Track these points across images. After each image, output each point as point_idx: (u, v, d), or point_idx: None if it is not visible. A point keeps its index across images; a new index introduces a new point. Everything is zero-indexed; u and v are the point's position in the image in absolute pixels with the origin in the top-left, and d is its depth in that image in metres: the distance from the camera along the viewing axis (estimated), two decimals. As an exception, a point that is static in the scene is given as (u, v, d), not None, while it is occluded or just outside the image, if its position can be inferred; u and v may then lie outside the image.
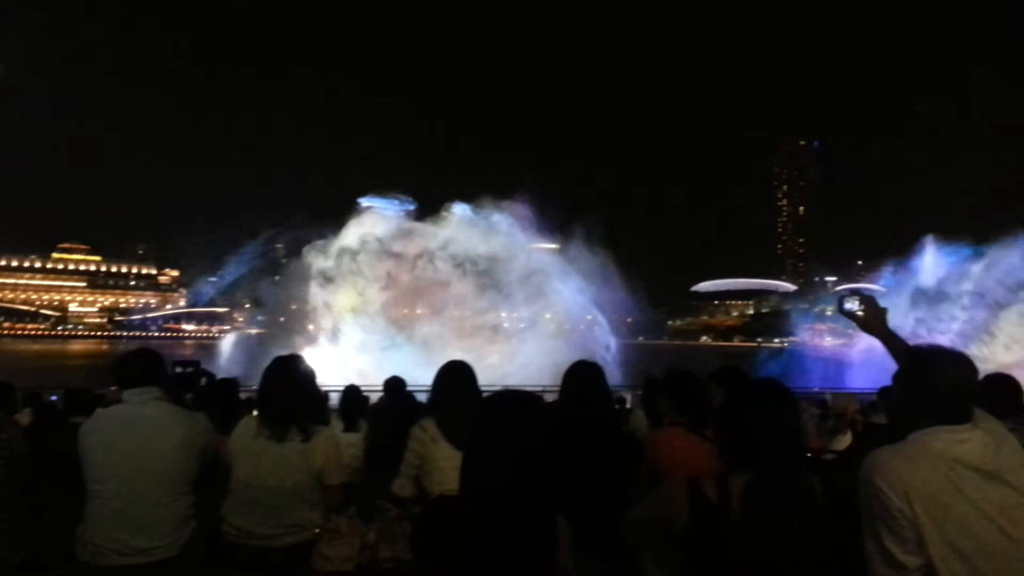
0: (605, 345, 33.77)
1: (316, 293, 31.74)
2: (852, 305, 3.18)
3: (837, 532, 2.51)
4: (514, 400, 2.32)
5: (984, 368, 3.10)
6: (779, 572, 2.38)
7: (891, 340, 3.02)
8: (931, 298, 35.30)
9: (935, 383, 2.43)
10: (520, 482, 2.13)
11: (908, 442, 2.40)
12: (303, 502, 3.83)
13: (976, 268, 34.46)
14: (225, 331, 35.92)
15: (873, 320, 3.14)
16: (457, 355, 4.76)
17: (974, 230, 36.45)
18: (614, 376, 27.13)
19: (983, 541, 2.25)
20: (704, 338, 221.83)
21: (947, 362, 2.47)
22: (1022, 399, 5.10)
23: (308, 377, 4.06)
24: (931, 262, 37.42)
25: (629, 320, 40.41)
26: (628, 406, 12.37)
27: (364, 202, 33.91)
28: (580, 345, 29.70)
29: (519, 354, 29.79)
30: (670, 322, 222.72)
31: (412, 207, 34.40)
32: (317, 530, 3.84)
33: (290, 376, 3.96)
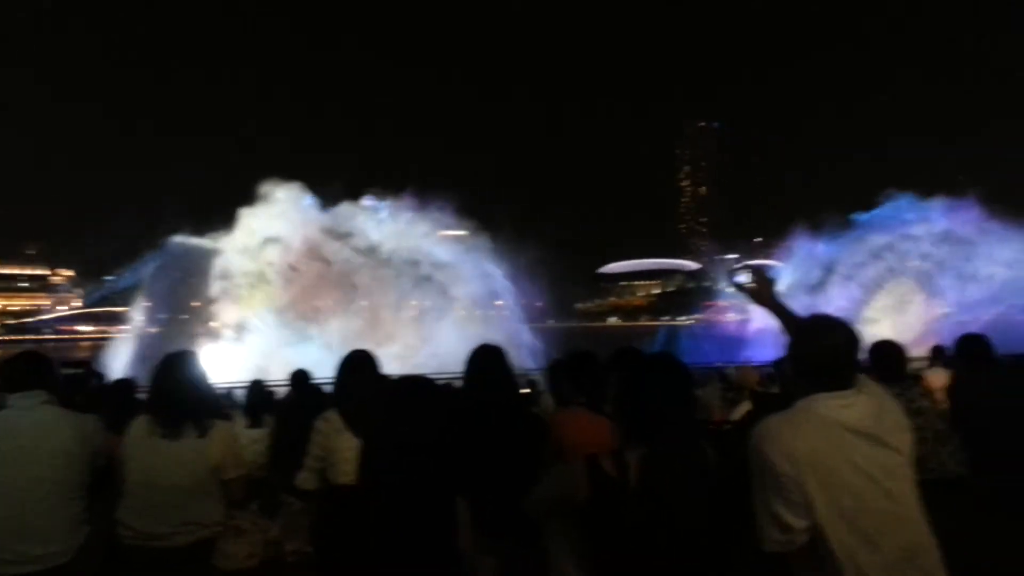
0: (523, 328, 33.98)
1: (219, 288, 30.85)
2: (743, 278, 3.26)
3: (732, 499, 2.58)
4: (411, 387, 2.31)
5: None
6: (676, 541, 2.43)
7: (780, 311, 3.10)
8: (816, 272, 36.54)
9: (817, 350, 2.52)
10: (418, 468, 2.12)
11: (794, 409, 2.48)
12: (202, 499, 3.75)
13: (859, 243, 35.88)
14: (124, 331, 34.32)
15: (762, 292, 3.22)
16: (368, 346, 4.70)
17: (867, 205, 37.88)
18: (529, 359, 27.35)
19: (866, 501, 2.33)
20: (612, 319, 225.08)
21: (829, 330, 2.56)
22: (907, 366, 5.35)
23: (199, 372, 3.96)
24: (805, 245, 38.76)
25: (538, 304, 40.56)
26: (540, 388, 12.46)
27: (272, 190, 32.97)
28: (492, 330, 29.76)
29: (431, 342, 29.65)
30: (579, 304, 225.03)
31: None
32: (219, 527, 3.77)
33: (180, 372, 3.87)
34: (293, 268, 31.12)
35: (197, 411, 3.81)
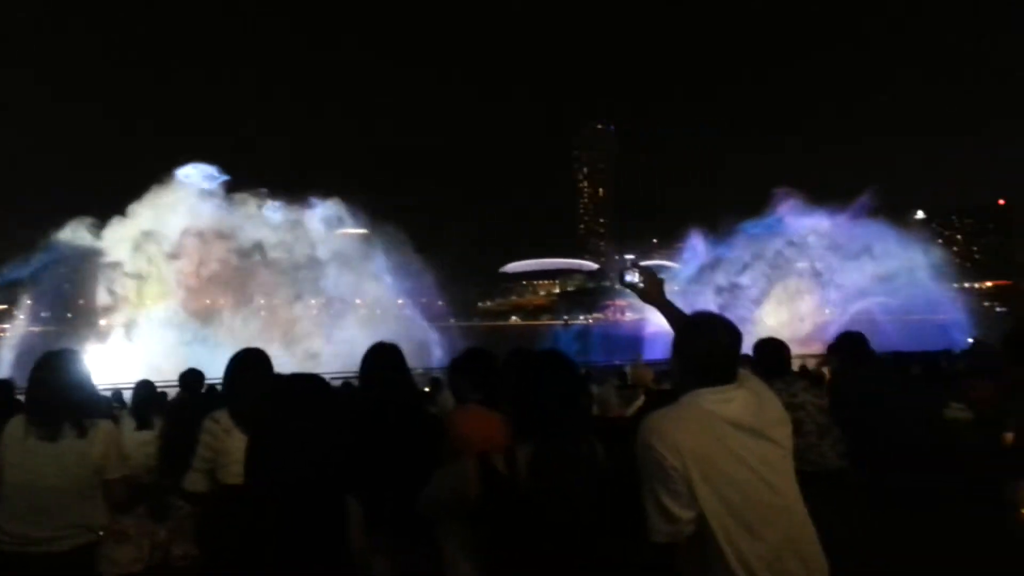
0: (425, 327, 33.96)
1: (108, 285, 29.57)
2: (632, 277, 3.35)
3: (624, 494, 2.65)
4: (302, 384, 2.28)
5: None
6: (567, 537, 2.48)
7: (668, 309, 3.19)
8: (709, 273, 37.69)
9: (699, 347, 2.61)
10: (309, 467, 2.10)
11: (679, 403, 2.57)
12: (84, 501, 3.63)
13: (751, 244, 37.22)
14: (5, 331, 32.53)
15: (651, 290, 3.31)
16: (269, 346, 4.61)
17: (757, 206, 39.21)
18: (431, 357, 27.33)
19: (747, 492, 2.42)
20: (514, 318, 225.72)
21: (710, 327, 2.65)
22: (790, 361, 5.59)
23: (79, 371, 3.81)
24: (700, 244, 40.02)
25: (440, 303, 40.59)
26: (444, 387, 12.48)
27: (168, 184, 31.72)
28: (394, 329, 29.55)
29: (333, 342, 29.23)
30: (481, 303, 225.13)
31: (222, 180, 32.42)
32: (102, 532, 3.64)
33: (59, 371, 3.72)
34: (187, 265, 30.13)
35: (76, 411, 3.68)
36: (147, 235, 30.13)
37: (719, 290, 35.56)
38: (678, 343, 2.73)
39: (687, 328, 2.75)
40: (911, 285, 34.52)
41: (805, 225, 36.36)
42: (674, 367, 2.76)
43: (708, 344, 2.60)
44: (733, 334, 2.64)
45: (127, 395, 10.65)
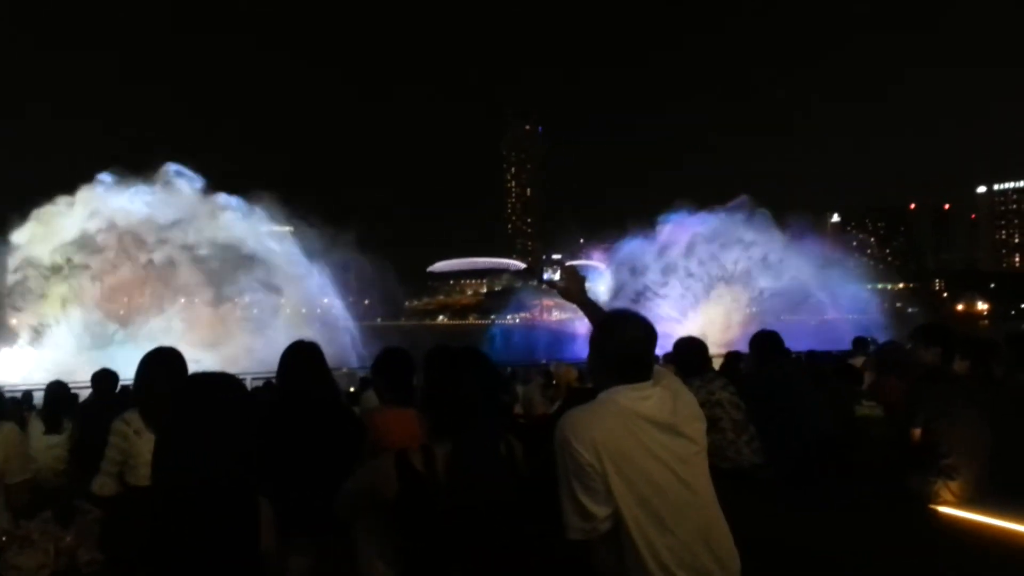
0: (352, 326, 33.70)
1: (17, 285, 28.43)
2: (552, 275, 3.37)
3: (541, 489, 2.65)
4: (211, 383, 2.24)
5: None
6: (484, 535, 2.48)
7: (587, 307, 3.21)
8: (643, 272, 38.26)
9: (612, 345, 2.64)
10: (216, 466, 2.06)
11: (597, 401, 2.59)
12: None
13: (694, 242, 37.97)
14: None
15: (571, 288, 3.33)
16: (188, 348, 4.48)
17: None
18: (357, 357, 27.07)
19: (661, 488, 2.45)
20: (441, 317, 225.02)
21: (622, 325, 2.68)
22: (710, 360, 5.68)
23: None
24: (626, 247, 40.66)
25: (367, 302, 40.27)
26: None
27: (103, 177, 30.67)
28: (319, 329, 29.17)
29: (258, 343, 28.62)
30: (408, 303, 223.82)
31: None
32: (4, 538, 3.50)
33: None
34: (103, 263, 29.17)
35: None
36: (60, 233, 29.13)
37: (638, 295, 36.21)
38: (594, 341, 2.76)
39: (603, 326, 2.78)
40: (817, 287, 35.91)
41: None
42: (591, 365, 2.78)
43: (623, 342, 2.63)
44: (649, 332, 2.67)
45: (38, 397, 10.35)
